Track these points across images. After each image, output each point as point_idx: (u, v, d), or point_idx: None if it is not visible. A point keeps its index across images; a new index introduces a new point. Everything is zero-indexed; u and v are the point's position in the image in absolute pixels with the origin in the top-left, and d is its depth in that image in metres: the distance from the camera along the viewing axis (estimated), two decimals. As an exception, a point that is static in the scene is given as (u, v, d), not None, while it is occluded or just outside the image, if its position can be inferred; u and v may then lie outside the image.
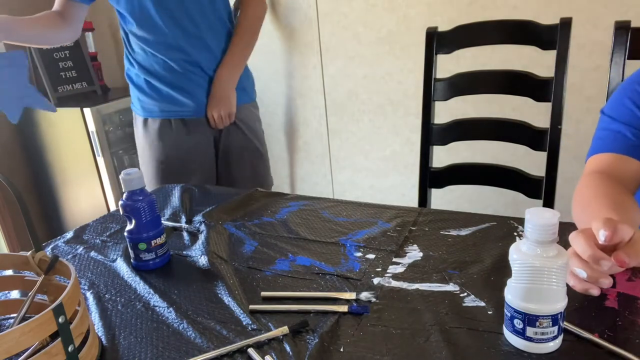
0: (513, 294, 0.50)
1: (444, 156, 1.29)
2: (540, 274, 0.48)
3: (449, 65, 1.25)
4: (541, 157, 1.14)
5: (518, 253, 0.50)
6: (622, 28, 0.94)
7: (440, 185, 1.29)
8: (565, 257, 0.48)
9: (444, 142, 1.25)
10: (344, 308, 0.59)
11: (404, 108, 1.49)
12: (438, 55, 1.20)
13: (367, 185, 1.12)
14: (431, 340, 0.53)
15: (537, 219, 0.48)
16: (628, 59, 0.94)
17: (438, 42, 1.18)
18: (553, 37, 1.07)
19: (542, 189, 1.14)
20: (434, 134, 1.25)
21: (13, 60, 0.69)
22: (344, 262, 0.69)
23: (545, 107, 1.11)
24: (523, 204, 1.14)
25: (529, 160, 1.18)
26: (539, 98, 1.12)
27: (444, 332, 0.54)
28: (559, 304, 0.49)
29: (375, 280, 0.64)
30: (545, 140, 1.13)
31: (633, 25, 0.95)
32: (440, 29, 1.19)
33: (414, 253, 0.70)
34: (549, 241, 0.48)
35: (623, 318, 0.53)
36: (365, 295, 0.61)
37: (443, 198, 1.28)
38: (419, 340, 0.53)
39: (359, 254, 0.71)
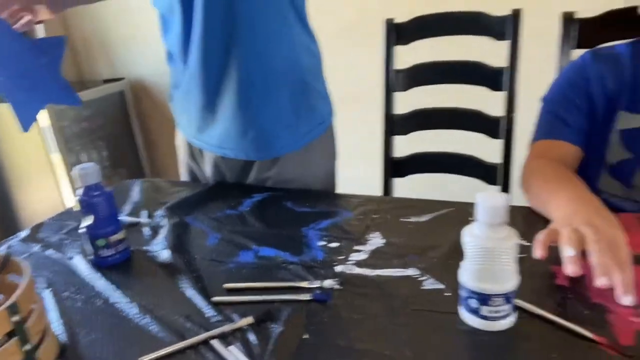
0: (467, 275, 0.53)
1: (406, 146, 1.32)
2: (492, 255, 0.50)
3: (408, 56, 1.27)
4: (497, 144, 1.18)
5: (470, 236, 0.52)
6: (568, 19, 0.98)
7: (402, 174, 1.31)
8: (514, 238, 0.51)
9: (405, 132, 1.28)
10: (308, 296, 0.60)
11: (364, 99, 1.50)
12: (396, 46, 1.22)
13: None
14: (392, 323, 0.55)
15: (487, 202, 0.50)
16: (575, 48, 0.99)
17: (396, 33, 1.20)
18: (505, 28, 1.11)
19: (499, 175, 1.18)
20: (395, 125, 1.27)
21: (50, 48, 0.60)
22: (307, 251, 0.70)
23: (502, 96, 1.15)
24: (481, 190, 1.19)
25: (487, 148, 1.22)
26: (493, 87, 1.16)
27: (405, 315, 0.56)
28: (511, 283, 0.51)
29: (338, 268, 0.66)
30: (500, 128, 1.17)
31: (580, 15, 0.99)
32: (398, 21, 1.21)
33: (376, 240, 0.71)
34: (498, 223, 0.50)
35: (573, 293, 0.56)
36: (328, 282, 0.62)
37: (405, 186, 1.31)
38: (381, 324, 0.55)
39: (322, 243, 0.72)
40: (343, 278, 0.63)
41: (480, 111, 1.20)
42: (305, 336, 0.54)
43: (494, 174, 1.19)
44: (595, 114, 0.81)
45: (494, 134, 1.18)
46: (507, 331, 0.52)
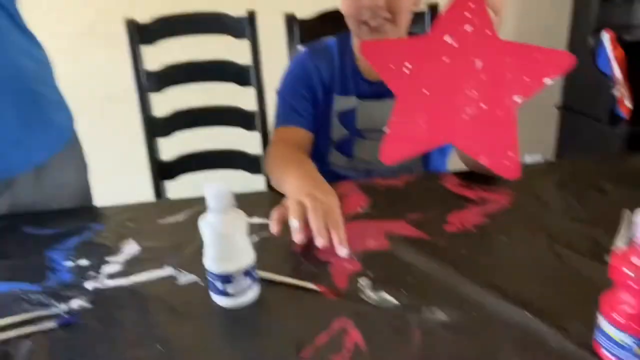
0: (209, 260, 0.56)
1: (174, 147, 1.31)
2: (226, 237, 0.55)
3: (161, 56, 1.26)
4: (256, 136, 1.27)
5: (205, 224, 0.56)
6: (290, 19, 1.12)
7: (172, 176, 1.30)
8: (244, 219, 0.57)
9: (167, 133, 1.27)
10: (51, 324, 0.55)
11: (122, 103, 1.43)
12: (143, 46, 1.20)
13: (100, 191, 1.05)
14: (147, 325, 0.55)
15: (213, 191, 0.54)
16: (300, 44, 1.13)
17: (139, 33, 1.17)
18: (243, 27, 1.19)
19: (261, 165, 1.28)
20: (156, 126, 1.25)
21: None
22: (52, 276, 0.64)
23: (252, 91, 1.24)
24: (247, 181, 1.27)
25: (248, 140, 1.30)
26: (243, 83, 1.24)
27: (160, 314, 0.57)
28: (247, 259, 0.57)
29: (89, 285, 0.62)
30: (256, 121, 1.26)
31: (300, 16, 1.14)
32: (141, 21, 1.18)
33: (131, 248, 0.70)
34: (226, 208, 0.55)
35: (305, 257, 0.65)
36: (76, 303, 0.59)
37: (179, 188, 1.30)
38: (139, 329, 0.54)
39: (70, 263, 0.67)
40: (94, 295, 0.60)
41: (237, 107, 1.27)
42: (49, 367, 0.50)
43: (257, 165, 1.29)
44: (317, 100, 0.96)
45: (251, 127, 1.27)
46: (253, 303, 0.58)
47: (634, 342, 0.44)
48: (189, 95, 1.28)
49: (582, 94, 1.96)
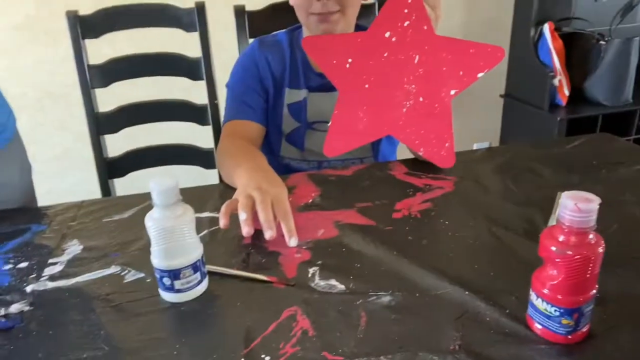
0: (156, 257, 0.56)
1: (122, 144, 1.27)
2: (172, 233, 0.55)
3: (106, 49, 1.21)
4: (208, 130, 1.26)
5: (151, 220, 0.55)
6: (240, 11, 1.11)
7: (121, 174, 1.27)
8: (191, 213, 0.56)
9: (114, 130, 1.23)
10: (-12, 329, 0.53)
11: (65, 99, 1.38)
12: (86, 40, 1.15)
13: (44, 190, 1.01)
14: (93, 322, 0.54)
15: (159, 186, 0.53)
16: (250, 37, 1.12)
17: (81, 26, 1.13)
18: (193, 19, 1.17)
19: (215, 159, 1.26)
20: (102, 123, 1.21)
21: None
22: (-12, 280, 0.61)
23: (203, 85, 1.22)
24: (201, 176, 1.25)
25: (200, 135, 1.28)
26: (194, 77, 1.21)
27: (108, 312, 0.55)
28: (195, 253, 0.57)
29: (29, 288, 0.60)
30: (207, 115, 1.24)
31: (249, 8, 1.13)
32: (85, 13, 1.13)
33: (74, 248, 0.68)
34: (173, 203, 0.54)
35: (255, 248, 0.66)
36: (15, 307, 0.57)
37: (129, 185, 1.27)
38: (83, 329, 0.53)
39: (9, 266, 0.64)
40: (35, 297, 0.58)
41: (188, 101, 1.24)
42: (-14, 373, 0.48)
43: (210, 159, 1.27)
44: (268, 93, 0.96)
45: (203, 121, 1.25)
46: (201, 296, 0.58)
47: (559, 313, 0.47)
48: (139, 90, 1.24)
49: (525, 83, 2.05)
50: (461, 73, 0.59)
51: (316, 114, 0.96)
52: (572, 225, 0.45)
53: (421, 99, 0.60)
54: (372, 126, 0.60)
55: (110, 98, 1.23)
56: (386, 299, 0.55)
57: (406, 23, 0.58)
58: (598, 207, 0.45)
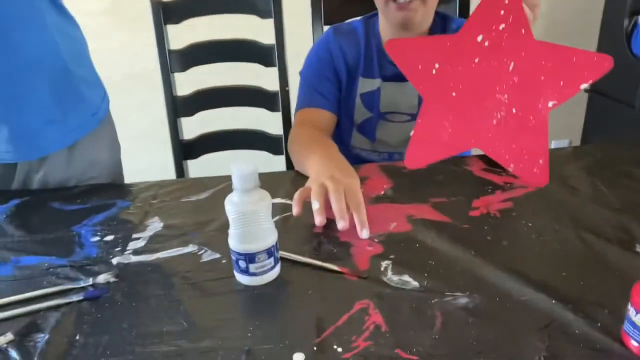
0: (233, 240, 0.57)
1: (195, 127, 1.31)
2: (250, 217, 0.55)
3: (186, 35, 1.25)
4: (277, 117, 1.27)
5: (230, 204, 0.56)
6: (316, -1, 1.10)
7: (194, 156, 1.31)
8: (268, 199, 0.57)
9: (190, 113, 1.28)
10: (79, 297, 0.57)
11: (147, 82, 1.44)
12: (168, 25, 1.20)
13: (124, 169, 1.07)
14: (172, 298, 0.56)
15: (239, 171, 0.54)
16: (325, 24, 1.11)
17: (164, 12, 1.17)
18: (268, 6, 1.18)
19: (282, 145, 1.28)
20: (180, 106, 1.26)
21: None
22: (79, 251, 0.66)
23: (275, 71, 1.23)
24: (268, 162, 1.27)
25: (269, 121, 1.30)
26: (266, 63, 1.23)
27: (183, 290, 0.58)
28: (270, 239, 0.57)
29: (115, 260, 0.64)
30: (278, 101, 1.25)
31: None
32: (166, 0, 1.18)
33: (155, 225, 0.71)
34: (251, 188, 0.55)
35: (326, 237, 0.65)
36: (102, 277, 0.60)
37: (201, 167, 1.32)
38: (163, 303, 0.56)
39: (96, 239, 0.68)
40: (120, 270, 0.62)
41: (259, 87, 1.26)
42: (76, 338, 0.51)
43: (278, 145, 1.29)
44: (341, 81, 0.94)
45: (273, 108, 1.26)
46: (274, 281, 0.58)
47: (664, 333, 0.43)
48: (212, 75, 1.28)
49: (614, 78, 1.88)
50: (561, 83, 0.53)
51: (389, 104, 0.94)
52: (688, 238, 0.41)
53: (514, 110, 0.54)
54: (458, 137, 0.56)
55: (187, 83, 1.27)
56: (463, 300, 0.53)
57: (502, 26, 0.52)
58: None
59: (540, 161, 0.54)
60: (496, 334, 0.49)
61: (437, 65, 0.55)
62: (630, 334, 0.46)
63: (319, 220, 0.64)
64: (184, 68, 1.23)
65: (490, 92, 0.54)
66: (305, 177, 0.75)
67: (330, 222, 0.66)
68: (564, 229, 0.64)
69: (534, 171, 0.53)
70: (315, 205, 0.64)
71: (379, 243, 0.64)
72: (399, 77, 0.92)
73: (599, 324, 0.48)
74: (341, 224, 0.63)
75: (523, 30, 0.52)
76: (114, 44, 1.63)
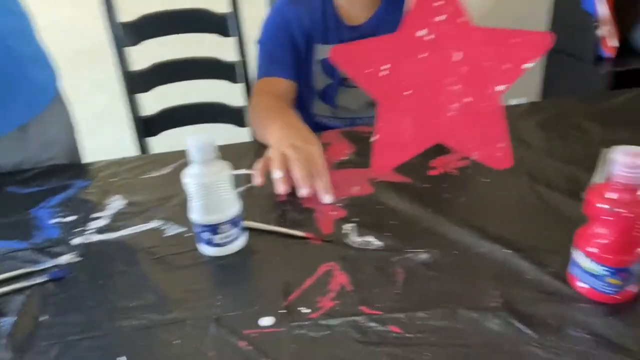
0: (195, 212, 0.57)
1: (156, 103, 1.28)
2: (210, 189, 0.55)
3: (136, 6, 1.20)
4: (239, 88, 1.25)
5: (188, 176, 0.55)
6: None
7: (156, 132, 1.29)
8: (228, 169, 0.57)
9: (147, 88, 1.24)
10: (42, 278, 0.56)
11: (99, 58, 1.39)
12: (116, -3, 1.14)
13: (85, 149, 1.04)
14: (137, 275, 0.56)
15: (196, 143, 0.54)
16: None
17: (111, -17, 1.12)
18: (221, -27, 1.14)
19: (246, 117, 1.26)
20: (136, 81, 1.22)
21: None
22: (38, 233, 0.64)
23: (233, 41, 1.20)
24: (234, 134, 1.26)
25: (232, 93, 1.28)
26: (224, 33, 1.20)
27: (149, 264, 0.57)
28: (233, 209, 0.57)
29: (76, 241, 0.63)
30: (238, 72, 1.23)
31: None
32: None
33: (117, 203, 0.70)
34: (210, 159, 0.55)
35: (290, 205, 0.66)
36: (65, 258, 0.59)
37: (163, 143, 1.29)
38: (129, 279, 0.55)
39: (56, 220, 0.67)
40: (82, 249, 0.61)
41: (218, 58, 1.23)
42: (43, 318, 0.51)
43: (242, 117, 1.27)
44: (299, 48, 0.93)
45: (233, 79, 1.24)
46: (240, 251, 0.59)
47: (606, 272, 0.46)
48: (168, 48, 1.24)
49: (567, 35, 1.93)
50: (507, 66, 0.53)
51: None
52: (624, 182, 0.43)
53: (468, 99, 0.55)
54: (420, 135, 0.55)
55: (142, 57, 1.23)
56: (423, 256, 0.55)
57: (439, 18, 0.52)
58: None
59: (502, 145, 0.54)
60: (454, 285, 0.51)
61: (384, 67, 0.53)
62: (577, 275, 0.49)
63: (280, 189, 0.65)
64: (136, 41, 1.18)
65: (442, 85, 0.54)
66: (267, 148, 0.74)
67: (294, 190, 0.66)
68: (519, 183, 0.67)
69: (497, 155, 0.54)
70: (276, 175, 0.65)
71: (343, 207, 0.65)
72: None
73: (549, 269, 0.51)
74: (303, 191, 0.64)
75: (461, 20, 0.52)
76: (58, 17, 1.55)
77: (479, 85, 0.54)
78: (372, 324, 0.47)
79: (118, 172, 0.78)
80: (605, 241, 0.45)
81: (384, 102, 0.54)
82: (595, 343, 0.43)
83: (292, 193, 0.67)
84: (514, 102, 2.16)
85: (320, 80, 0.94)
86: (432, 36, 0.52)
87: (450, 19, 0.51)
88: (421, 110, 0.55)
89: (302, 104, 0.97)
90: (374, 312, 0.48)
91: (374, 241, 0.58)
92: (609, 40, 1.81)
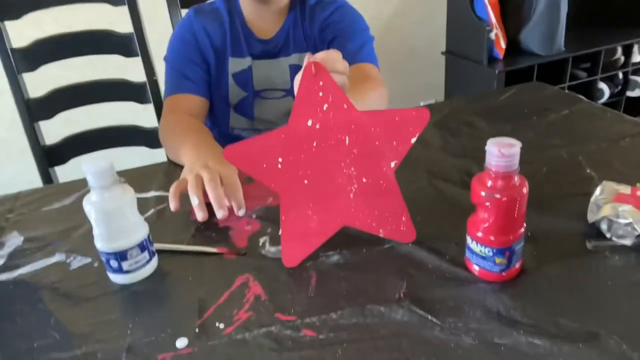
0: (100, 240, 0.55)
1: (63, 130, 1.21)
2: (114, 214, 0.54)
3: (29, 32, 1.13)
4: (150, 109, 1.22)
5: (88, 204, 0.53)
6: (168, -18, 1.06)
7: (62, 161, 1.21)
8: (131, 193, 0.55)
9: (49, 115, 1.17)
10: None
11: (-8, 87, 1.29)
12: (6, 22, 1.07)
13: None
14: (41, 311, 0.53)
15: (93, 168, 0.52)
16: (181, 7, 1.08)
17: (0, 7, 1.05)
18: (119, -7, 1.11)
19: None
20: (34, 109, 1.15)
21: None
22: None
23: (139, 61, 1.17)
24: (149, 156, 1.22)
25: (143, 114, 1.24)
26: (128, 54, 1.16)
27: (56, 300, 0.55)
28: (140, 233, 0.56)
29: (-31, 286, 0.58)
30: (147, 93, 1.20)
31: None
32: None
33: (14, 240, 0.66)
34: (110, 184, 0.53)
35: (204, 224, 0.65)
36: (-45, 306, 0.55)
37: (74, 172, 1.22)
38: (31, 319, 0.52)
39: (-56, 266, 0.61)
40: (-24, 294, 0.56)
41: (124, 79, 1.19)
42: None
43: (155, 138, 1.23)
44: (209, 63, 0.93)
45: (143, 100, 1.20)
46: (152, 275, 0.57)
47: (492, 252, 0.50)
48: (73, 72, 1.18)
49: (464, 39, 2.09)
50: (395, 143, 0.56)
51: (263, 81, 0.95)
52: (497, 170, 0.48)
53: (364, 180, 0.57)
54: (325, 222, 0.56)
55: (43, 83, 1.16)
56: (334, 258, 0.57)
57: (325, 106, 0.53)
58: (519, 150, 0.47)
59: (403, 218, 0.57)
60: (363, 281, 0.53)
61: (280, 159, 0.54)
62: (471, 259, 0.53)
63: (200, 216, 0.64)
64: (32, 67, 1.12)
65: (338, 170, 0.55)
66: (179, 167, 0.74)
67: (209, 209, 0.66)
68: (418, 179, 0.71)
69: (401, 230, 0.57)
70: (195, 202, 0.63)
71: (257, 219, 0.66)
72: (269, 54, 0.93)
73: (447, 257, 0.56)
74: (220, 214, 0.63)
75: (345, 105, 0.53)
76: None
77: (373, 165, 0.55)
78: (287, 332, 0.48)
79: (14, 207, 0.73)
80: (488, 225, 0.50)
81: (285, 194, 0.55)
82: (488, 319, 0.47)
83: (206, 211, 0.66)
84: (422, 104, 2.30)
85: (235, 94, 0.94)
86: (320, 124, 0.53)
87: (334, 106, 0.52)
88: (322, 197, 0.56)
89: (217, 120, 0.97)
90: (289, 317, 0.49)
91: (287, 249, 0.59)
92: (500, 42, 1.98)
